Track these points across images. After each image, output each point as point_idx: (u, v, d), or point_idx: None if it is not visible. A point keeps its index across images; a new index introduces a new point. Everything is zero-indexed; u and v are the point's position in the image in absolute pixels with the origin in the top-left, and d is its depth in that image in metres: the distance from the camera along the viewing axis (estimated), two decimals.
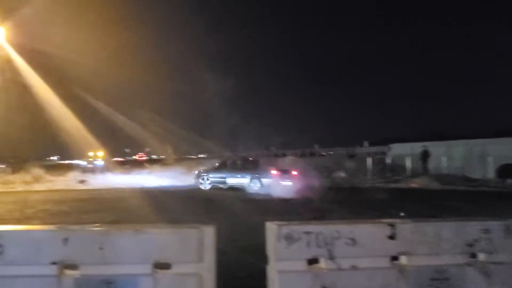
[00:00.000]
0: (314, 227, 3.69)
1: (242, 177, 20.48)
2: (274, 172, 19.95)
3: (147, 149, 54.06)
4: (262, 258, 3.77)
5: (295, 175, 19.53)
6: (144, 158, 55.29)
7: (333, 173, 27.41)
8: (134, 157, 57.08)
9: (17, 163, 33.34)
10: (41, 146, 40.68)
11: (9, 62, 33.32)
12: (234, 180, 20.63)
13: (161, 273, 3.57)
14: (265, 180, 19.87)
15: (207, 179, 21.38)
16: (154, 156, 53.25)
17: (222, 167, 22.03)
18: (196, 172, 23.09)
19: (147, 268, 3.52)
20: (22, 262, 3.46)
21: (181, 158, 43.04)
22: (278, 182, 19.08)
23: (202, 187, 21.23)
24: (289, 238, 3.61)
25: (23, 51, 33.23)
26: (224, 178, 20.93)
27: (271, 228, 3.69)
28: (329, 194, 16.71)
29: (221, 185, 21.00)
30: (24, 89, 34.81)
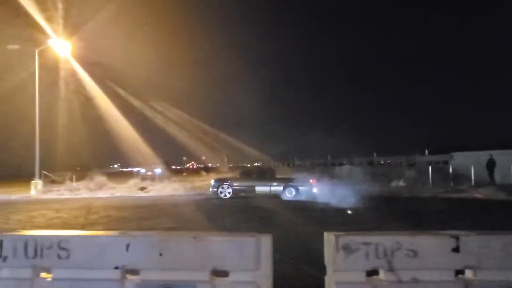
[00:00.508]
0: (373, 238, 3.60)
1: (276, 185, 20.66)
2: (311, 180, 20.12)
3: (203, 158, 55.04)
4: (318, 268, 3.72)
5: (329, 183, 19.74)
6: (195, 167, 56.29)
7: (392, 182, 26.64)
8: (186, 166, 58.20)
9: (82, 171, 34.93)
10: (104, 154, 42.46)
11: (73, 75, 35.10)
12: (264, 188, 20.91)
13: (219, 280, 3.61)
14: (302, 188, 20.14)
15: (228, 188, 21.63)
16: (209, 165, 54.13)
17: (246, 176, 22.39)
18: (213, 181, 23.25)
19: (205, 275, 3.56)
20: (87, 266, 3.61)
21: (236, 166, 43.46)
22: (313, 190, 19.36)
23: (222, 195, 21.41)
24: (348, 249, 3.54)
25: (86, 64, 34.92)
26: (252, 186, 21.15)
27: (329, 238, 3.64)
28: (387, 204, 16.23)
29: (245, 193, 21.27)
30: (87, 101, 36.58)
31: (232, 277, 3.61)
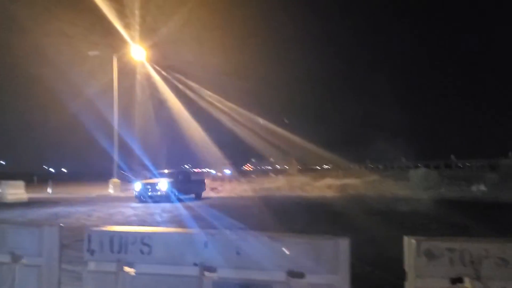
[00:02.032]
0: (458, 244, 3.41)
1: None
2: None
3: (271, 160, 55.25)
4: (397, 273, 3.60)
5: None
6: (251, 169, 56.48)
7: (471, 186, 25.18)
8: (242, 167, 58.49)
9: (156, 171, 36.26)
10: (175, 155, 43.83)
11: (148, 79, 36.59)
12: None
13: (295, 281, 3.58)
14: None
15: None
16: (278, 167, 54.24)
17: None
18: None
19: (281, 276, 3.55)
20: (168, 262, 3.72)
21: (306, 169, 43.20)
22: None
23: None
24: (430, 254, 3.39)
25: (159, 68, 36.29)
26: None
27: (410, 243, 3.49)
28: (466, 209, 15.46)
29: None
30: (160, 103, 38.01)
31: (308, 279, 3.57)
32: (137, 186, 22.88)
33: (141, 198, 21.83)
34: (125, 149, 31.75)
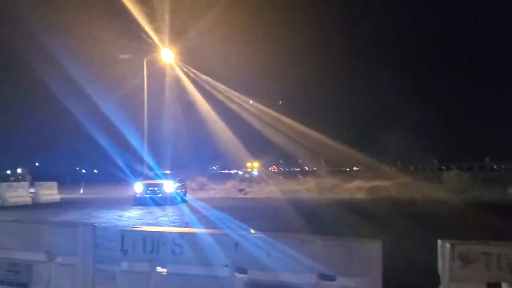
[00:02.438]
0: (495, 248, 3.33)
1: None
2: None
3: (300, 161, 55.06)
4: (431, 277, 3.54)
5: None
6: (276, 171, 56.23)
7: (507, 188, 24.40)
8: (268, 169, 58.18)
9: (184, 172, 36.70)
10: (204, 156, 44.20)
11: (177, 81, 37.03)
12: None
13: (326, 284, 3.56)
14: None
15: None
16: (306, 168, 54.01)
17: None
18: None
19: (312, 278, 3.53)
20: (199, 262, 3.75)
21: (335, 170, 42.86)
22: None
23: None
24: (465, 258, 3.32)
25: (188, 70, 36.68)
26: None
27: (444, 247, 3.43)
28: (501, 212, 15.04)
29: None
30: (189, 105, 38.42)
31: (339, 282, 3.54)
32: (138, 187, 21.01)
33: (142, 200, 20.15)
34: (153, 150, 32.19)
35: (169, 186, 20.99)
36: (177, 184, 22.18)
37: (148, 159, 28.71)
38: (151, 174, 23.85)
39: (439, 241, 3.51)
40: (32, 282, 4.29)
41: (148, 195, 20.30)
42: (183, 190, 24.34)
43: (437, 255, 3.50)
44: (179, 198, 21.22)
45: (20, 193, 21.50)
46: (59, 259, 4.24)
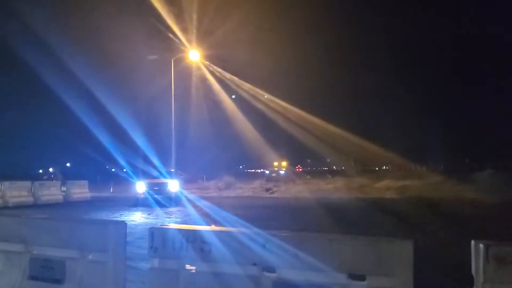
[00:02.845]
0: None
1: None
2: None
3: (328, 160, 54.69)
4: (464, 278, 3.46)
5: None
6: (300, 170, 55.83)
7: None
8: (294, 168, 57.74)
9: (211, 171, 37.00)
10: (231, 155, 44.39)
11: (204, 81, 37.33)
12: None
13: (355, 284, 3.51)
14: None
15: None
16: (335, 167, 53.60)
17: None
18: None
19: (342, 278, 3.49)
20: (227, 261, 3.76)
21: (364, 169, 42.39)
22: None
23: None
24: (500, 260, 3.22)
25: (215, 70, 36.93)
26: None
27: (478, 248, 3.34)
28: None
29: None
30: (215, 105, 38.67)
31: (369, 282, 3.49)
32: (140, 186, 19.87)
33: (144, 201, 18.83)
34: (180, 150, 32.52)
35: (174, 186, 20.26)
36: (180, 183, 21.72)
37: (170, 158, 28.90)
38: (154, 173, 21.87)
39: (473, 242, 3.42)
40: (65, 278, 4.38)
41: (151, 196, 19.07)
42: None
43: (471, 256, 3.42)
44: (184, 199, 20.44)
45: (52, 191, 22.08)
46: (90, 256, 4.32)
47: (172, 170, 23.58)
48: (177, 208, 17.88)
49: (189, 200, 20.54)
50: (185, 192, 26.50)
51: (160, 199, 18.66)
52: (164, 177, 20.86)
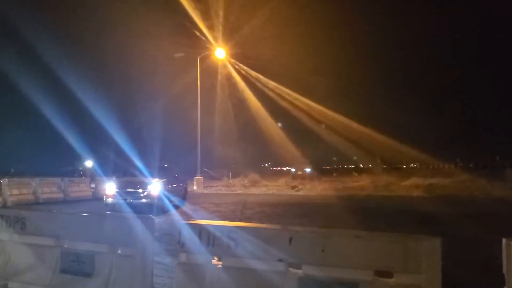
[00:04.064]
0: None
1: None
2: None
3: (354, 158, 54.18)
4: (494, 277, 3.40)
5: None
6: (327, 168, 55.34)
7: None
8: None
9: (236, 169, 37.14)
10: (256, 153, 44.46)
11: (230, 78, 37.47)
12: None
13: (382, 281, 3.49)
14: None
15: None
16: (361, 165, 53.07)
17: None
18: None
19: (368, 275, 3.48)
20: (253, 256, 3.78)
21: (390, 167, 41.86)
22: None
23: None
24: None
25: (240, 67, 37.01)
26: None
27: (509, 246, 3.28)
28: None
29: None
30: (241, 102, 38.78)
31: (396, 279, 3.47)
32: (110, 187, 15.03)
33: (115, 207, 14.38)
34: (205, 147, 32.72)
35: (155, 188, 14.88)
36: (168, 186, 16.15)
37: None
38: (130, 169, 17.00)
39: (504, 240, 3.36)
40: (95, 272, 4.48)
41: (124, 200, 14.47)
42: (182, 192, 18.29)
43: (501, 255, 3.36)
44: (170, 205, 15.25)
45: (82, 188, 22.57)
46: (119, 251, 4.41)
47: (166, 165, 19.12)
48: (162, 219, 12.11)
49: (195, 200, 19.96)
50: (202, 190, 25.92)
51: (136, 205, 14.18)
52: (144, 175, 15.74)
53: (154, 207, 14.35)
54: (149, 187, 14.89)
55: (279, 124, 39.52)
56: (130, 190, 14.85)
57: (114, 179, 16.30)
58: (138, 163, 17.29)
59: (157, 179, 15.47)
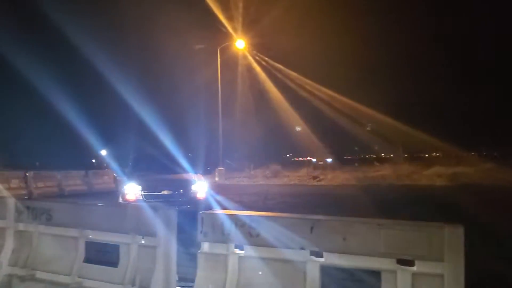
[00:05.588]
0: None
1: None
2: None
3: (375, 147, 53.67)
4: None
5: None
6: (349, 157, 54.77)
7: None
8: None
9: (258, 160, 37.18)
10: (277, 144, 44.44)
11: (250, 70, 37.42)
12: None
13: (404, 269, 3.47)
14: None
15: None
16: (382, 155, 52.57)
17: None
18: None
19: (391, 263, 3.46)
20: (275, 245, 3.80)
21: (412, 157, 41.37)
22: None
23: None
24: None
25: (261, 58, 36.92)
26: None
27: None
28: None
29: None
30: (261, 94, 38.73)
31: (418, 268, 3.45)
32: (131, 189, 10.61)
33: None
34: (227, 138, 32.82)
35: (201, 187, 11.31)
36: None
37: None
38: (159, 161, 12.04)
39: None
40: (119, 261, 4.56)
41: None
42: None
43: None
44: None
45: (105, 180, 22.94)
46: (143, 241, 4.48)
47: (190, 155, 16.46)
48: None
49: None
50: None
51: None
52: (176, 170, 11.73)
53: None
54: (193, 187, 11.01)
55: (297, 113, 39.26)
56: (164, 192, 10.63)
57: (135, 175, 11.18)
58: (171, 154, 13.18)
59: (200, 176, 12.11)
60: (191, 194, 10.76)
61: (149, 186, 10.58)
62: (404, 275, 3.45)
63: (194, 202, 10.33)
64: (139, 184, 10.58)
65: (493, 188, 19.83)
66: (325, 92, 39.45)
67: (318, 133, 39.23)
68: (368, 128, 42.03)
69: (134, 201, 10.37)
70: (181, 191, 10.76)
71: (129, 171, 11.66)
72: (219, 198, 13.73)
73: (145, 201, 10.12)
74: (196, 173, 12.01)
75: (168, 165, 11.72)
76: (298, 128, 41.22)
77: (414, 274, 3.43)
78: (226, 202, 12.85)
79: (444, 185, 22.95)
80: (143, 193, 10.38)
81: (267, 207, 13.87)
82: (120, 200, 10.64)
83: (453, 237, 3.37)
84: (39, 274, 4.94)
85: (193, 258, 4.23)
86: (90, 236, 4.81)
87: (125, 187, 10.76)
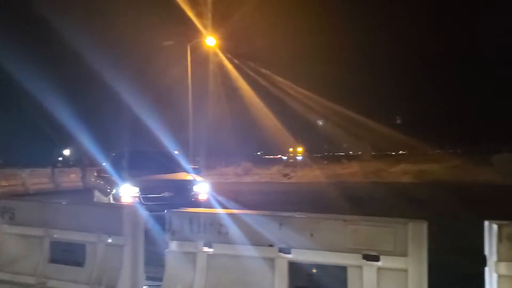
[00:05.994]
0: None
1: None
2: None
3: (344, 145, 54.45)
4: (476, 258, 3.49)
5: None
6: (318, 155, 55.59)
7: None
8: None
9: (229, 157, 37.18)
10: (249, 141, 44.52)
11: (221, 67, 37.30)
12: None
13: (370, 264, 3.56)
14: None
15: None
16: (351, 152, 53.36)
17: None
18: None
19: (356, 259, 3.54)
20: (244, 243, 3.83)
21: (380, 154, 42.17)
22: None
23: None
24: None
25: (231, 56, 36.86)
26: None
27: (491, 228, 3.37)
28: None
29: None
30: (232, 91, 38.69)
31: (383, 263, 3.53)
32: (127, 191, 9.26)
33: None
34: (197, 136, 32.62)
35: (203, 188, 10.25)
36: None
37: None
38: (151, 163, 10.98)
39: (486, 222, 3.45)
40: (86, 261, 4.50)
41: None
42: None
43: (483, 237, 3.45)
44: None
45: (72, 178, 22.46)
46: (109, 240, 4.42)
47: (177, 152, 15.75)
48: None
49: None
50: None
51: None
52: (175, 169, 10.77)
53: None
54: (195, 189, 10.01)
55: (269, 110, 39.43)
56: (164, 194, 9.41)
57: (130, 174, 9.74)
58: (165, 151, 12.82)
59: (200, 175, 11.12)
60: (192, 195, 9.84)
61: (147, 187, 9.42)
62: (369, 270, 3.53)
63: (196, 204, 9.34)
64: (136, 186, 9.36)
65: (457, 184, 20.38)
66: (296, 89, 39.75)
67: (288, 131, 39.52)
68: (320, 123, 42.23)
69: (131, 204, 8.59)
70: (182, 192, 9.73)
71: (122, 170, 10.09)
72: (221, 199, 12.55)
73: (143, 204, 8.68)
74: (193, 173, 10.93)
75: (165, 163, 10.89)
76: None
77: (379, 269, 3.52)
78: (229, 204, 12.35)
79: (410, 182, 23.43)
80: (140, 196, 9.27)
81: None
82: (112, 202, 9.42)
83: (417, 232, 3.47)
84: (2, 275, 4.82)
85: (162, 257, 4.21)
86: (55, 236, 4.71)
87: (120, 188, 9.38)
